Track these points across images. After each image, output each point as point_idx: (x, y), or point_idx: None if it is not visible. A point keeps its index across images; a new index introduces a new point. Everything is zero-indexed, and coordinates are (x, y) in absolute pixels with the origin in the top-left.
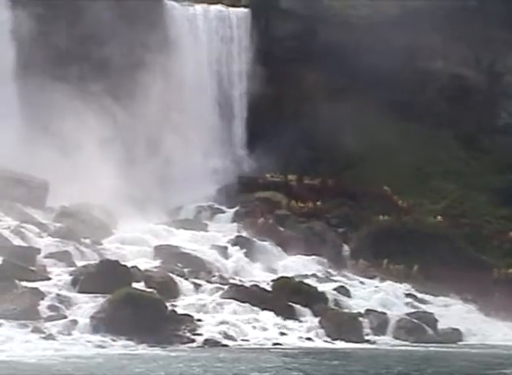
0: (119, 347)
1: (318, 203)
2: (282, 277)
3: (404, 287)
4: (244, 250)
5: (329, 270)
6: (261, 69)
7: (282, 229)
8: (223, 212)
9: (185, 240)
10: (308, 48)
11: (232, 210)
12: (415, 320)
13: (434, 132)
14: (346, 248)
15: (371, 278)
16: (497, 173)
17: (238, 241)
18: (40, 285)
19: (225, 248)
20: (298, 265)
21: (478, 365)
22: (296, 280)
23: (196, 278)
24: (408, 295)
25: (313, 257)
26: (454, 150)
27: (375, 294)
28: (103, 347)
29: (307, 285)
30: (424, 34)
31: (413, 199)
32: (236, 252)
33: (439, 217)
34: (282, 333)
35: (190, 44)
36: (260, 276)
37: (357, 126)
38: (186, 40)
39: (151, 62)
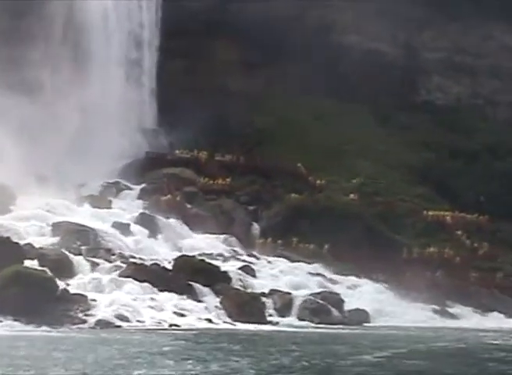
0: (5, 327)
1: (229, 180)
2: (184, 256)
3: (313, 267)
4: (147, 228)
5: (237, 249)
6: (172, 41)
7: (189, 206)
8: (130, 188)
9: (86, 217)
10: (220, 21)
11: (139, 187)
12: (320, 301)
13: (349, 108)
14: (255, 226)
15: (279, 257)
16: (414, 151)
17: (141, 219)
18: None
19: (128, 225)
20: (204, 243)
21: (361, 347)
22: (199, 258)
23: (94, 256)
24: (317, 275)
25: (220, 236)
26: (370, 127)
27: (282, 274)
28: None
29: (210, 264)
30: (337, 9)
31: (327, 177)
32: (139, 230)
33: (352, 195)
34: (181, 314)
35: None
36: (164, 254)
37: (270, 102)
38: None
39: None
